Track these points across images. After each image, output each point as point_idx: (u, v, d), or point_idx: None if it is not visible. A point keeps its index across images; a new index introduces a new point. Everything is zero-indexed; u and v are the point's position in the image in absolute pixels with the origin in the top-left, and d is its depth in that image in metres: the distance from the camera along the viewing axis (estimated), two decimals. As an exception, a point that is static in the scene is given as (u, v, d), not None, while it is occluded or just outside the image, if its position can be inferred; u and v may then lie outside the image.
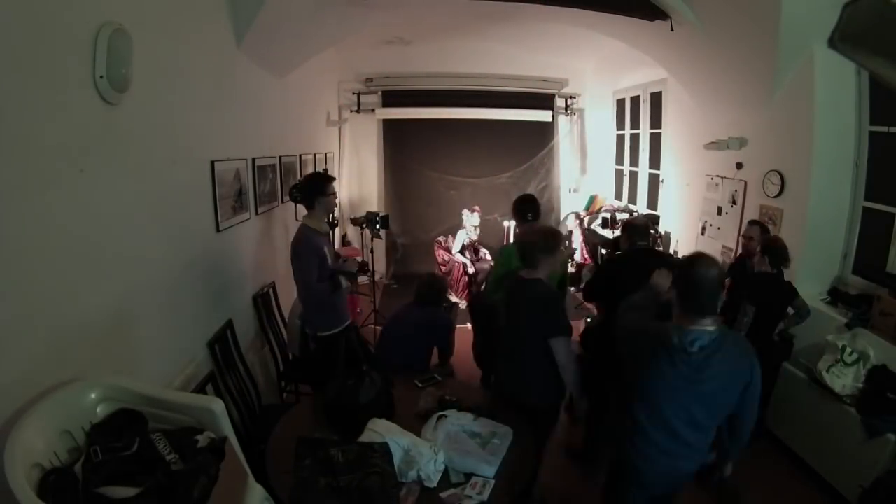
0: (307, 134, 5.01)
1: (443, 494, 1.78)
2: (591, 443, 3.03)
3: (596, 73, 6.80)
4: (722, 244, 4.25)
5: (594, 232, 5.99)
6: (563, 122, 7.11)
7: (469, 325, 3.86)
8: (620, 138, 6.47)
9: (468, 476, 1.86)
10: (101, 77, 1.65)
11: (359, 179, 6.92)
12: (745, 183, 3.93)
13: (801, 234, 3.31)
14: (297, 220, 4.20)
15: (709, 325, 1.65)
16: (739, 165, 3.99)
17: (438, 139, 6.86)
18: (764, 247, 3.01)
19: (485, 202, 6.84)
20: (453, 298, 5.50)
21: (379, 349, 3.01)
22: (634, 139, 6.08)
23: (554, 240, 2.35)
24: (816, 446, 2.87)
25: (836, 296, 3.18)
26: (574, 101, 7.02)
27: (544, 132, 7.04)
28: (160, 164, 2.13)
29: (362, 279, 6.56)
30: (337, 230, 5.68)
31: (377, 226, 5.38)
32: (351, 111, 6.62)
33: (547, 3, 3.76)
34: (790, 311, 2.99)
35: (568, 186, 7.23)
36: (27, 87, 1.39)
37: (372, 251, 5.54)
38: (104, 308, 1.75)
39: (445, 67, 6.57)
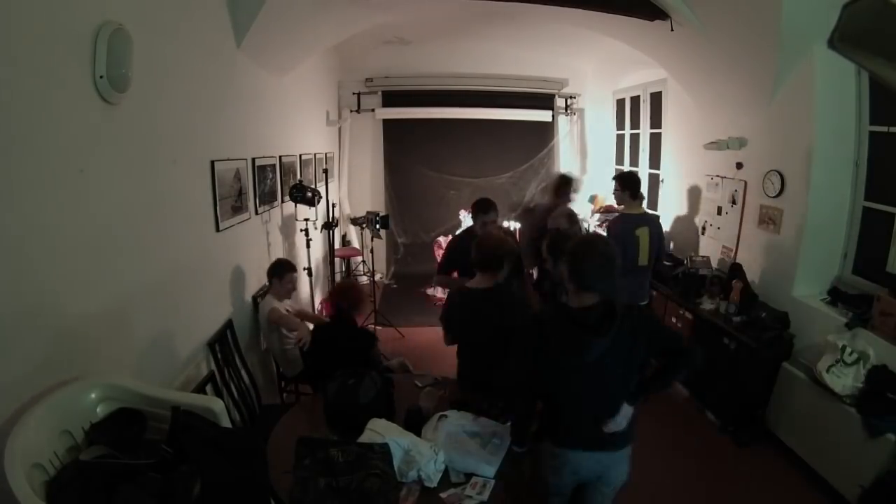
0: (307, 134, 5.01)
1: (443, 494, 1.78)
2: None
3: (596, 73, 6.79)
4: (722, 244, 4.26)
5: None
6: (563, 122, 7.11)
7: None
8: (620, 138, 6.47)
9: (468, 476, 1.86)
10: (101, 77, 1.65)
11: (359, 179, 6.92)
12: (745, 183, 3.93)
13: (801, 234, 3.31)
14: (296, 219, 4.20)
15: None
16: (739, 165, 3.99)
17: (438, 139, 6.86)
18: None
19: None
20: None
21: None
22: (634, 139, 6.08)
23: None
24: (816, 446, 2.87)
25: (836, 296, 3.18)
26: (574, 101, 7.02)
27: (544, 132, 7.05)
28: (160, 164, 2.13)
29: (363, 279, 6.60)
30: (337, 230, 5.68)
31: (377, 226, 5.38)
32: (351, 111, 6.61)
33: (547, 3, 3.76)
34: None
35: (568, 186, 7.22)
36: (27, 87, 1.39)
37: (372, 251, 5.55)
38: (104, 308, 1.75)
39: (445, 67, 6.57)
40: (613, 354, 1.67)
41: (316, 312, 4.40)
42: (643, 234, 3.51)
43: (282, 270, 3.13)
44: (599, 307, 1.69)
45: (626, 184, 3.69)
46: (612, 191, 3.86)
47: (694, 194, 4.74)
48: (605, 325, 1.65)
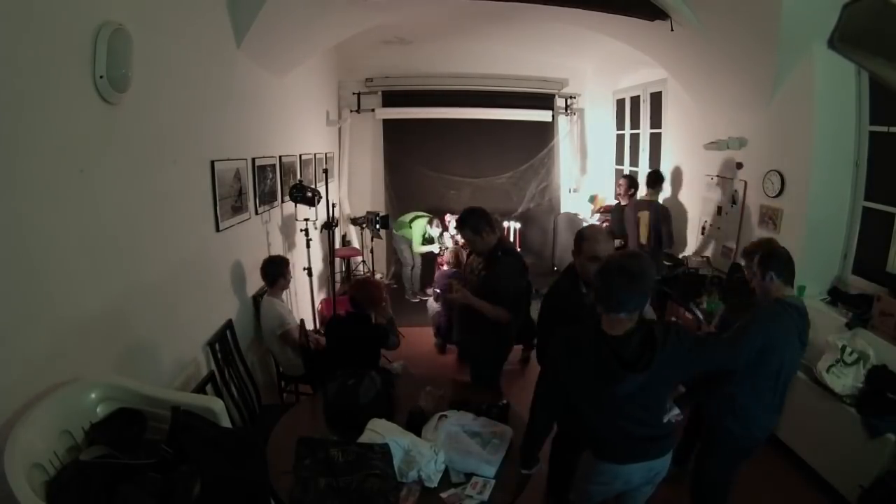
0: (307, 134, 5.01)
1: (443, 494, 1.78)
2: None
3: (596, 73, 6.79)
4: (722, 244, 4.26)
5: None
6: (563, 122, 7.11)
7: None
8: (620, 138, 6.47)
9: (468, 476, 1.86)
10: (101, 77, 1.65)
11: (359, 179, 6.92)
12: (745, 183, 3.93)
13: (801, 234, 3.31)
14: (296, 219, 4.20)
15: None
16: (739, 165, 3.99)
17: (438, 139, 6.86)
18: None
19: (485, 202, 6.84)
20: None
21: None
22: (634, 139, 6.08)
23: None
24: (816, 446, 2.87)
25: (836, 296, 3.18)
26: (574, 101, 7.02)
27: (544, 132, 7.04)
28: (160, 164, 2.13)
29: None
30: (337, 230, 5.68)
31: (377, 226, 5.39)
32: (351, 111, 6.61)
33: (547, 3, 3.76)
34: None
35: (568, 186, 7.23)
36: (27, 87, 1.39)
37: (372, 251, 5.55)
38: (104, 308, 1.75)
39: (445, 67, 6.57)
40: (648, 385, 1.58)
41: (316, 310, 4.41)
42: (644, 216, 4.42)
43: (274, 275, 3.16)
44: (637, 334, 1.57)
45: (645, 181, 4.68)
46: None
47: (694, 194, 4.75)
48: (645, 359, 1.53)
